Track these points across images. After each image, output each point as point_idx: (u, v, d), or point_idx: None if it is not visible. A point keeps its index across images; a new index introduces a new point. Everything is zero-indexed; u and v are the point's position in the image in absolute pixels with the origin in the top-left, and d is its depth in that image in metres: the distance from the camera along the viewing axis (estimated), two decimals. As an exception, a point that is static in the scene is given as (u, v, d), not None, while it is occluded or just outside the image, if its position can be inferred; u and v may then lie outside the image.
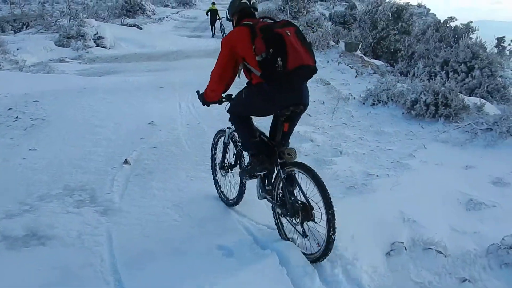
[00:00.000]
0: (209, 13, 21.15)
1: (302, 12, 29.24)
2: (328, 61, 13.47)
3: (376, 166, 4.66)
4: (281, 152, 2.96)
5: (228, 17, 3.22)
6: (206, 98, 3.29)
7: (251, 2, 3.10)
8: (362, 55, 13.97)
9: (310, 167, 2.84)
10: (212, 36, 20.75)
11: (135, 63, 12.69)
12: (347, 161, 4.79)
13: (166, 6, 35.18)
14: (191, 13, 31.29)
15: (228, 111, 3.25)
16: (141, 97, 7.97)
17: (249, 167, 3.19)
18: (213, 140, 3.93)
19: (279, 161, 2.97)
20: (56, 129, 5.81)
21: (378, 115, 7.18)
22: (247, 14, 3.06)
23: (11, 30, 15.70)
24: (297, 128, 6.13)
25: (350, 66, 12.85)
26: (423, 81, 7.99)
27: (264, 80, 2.76)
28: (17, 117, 6.39)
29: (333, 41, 14.39)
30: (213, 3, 22.07)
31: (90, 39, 14.16)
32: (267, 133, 3.20)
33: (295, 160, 2.93)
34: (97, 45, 14.46)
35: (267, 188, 3.15)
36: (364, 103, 8.00)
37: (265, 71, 2.71)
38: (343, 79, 11.66)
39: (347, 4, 36.22)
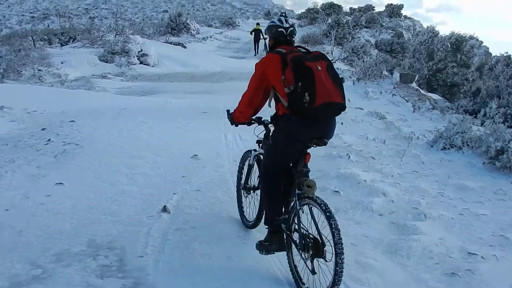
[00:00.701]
0: (253, 33, 21.69)
1: (347, 38, 28.46)
2: (381, 92, 12.50)
3: (474, 239, 3.67)
4: (301, 183, 2.84)
5: (265, 34, 3.19)
6: (234, 118, 3.29)
7: (288, 31, 3.02)
8: (418, 87, 12.92)
9: (326, 205, 2.67)
10: (255, 55, 21.36)
11: (178, 83, 12.17)
12: (435, 229, 3.81)
13: (210, 26, 35.30)
14: (234, 34, 31.11)
15: (261, 167, 3.27)
16: (183, 123, 7.28)
17: (266, 243, 3.03)
18: (240, 161, 3.89)
19: (297, 191, 2.86)
20: (89, 158, 5.13)
21: (452, 163, 6.15)
22: (283, 41, 3.02)
23: (58, 43, 15.67)
24: (364, 175, 5.31)
25: (405, 99, 11.84)
26: (497, 123, 6.93)
27: (290, 111, 2.73)
28: (49, 140, 5.78)
29: (386, 70, 13.42)
30: (258, 24, 23.08)
31: (134, 56, 13.83)
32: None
33: (313, 193, 2.80)
34: (141, 62, 14.12)
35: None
36: (432, 146, 6.99)
37: (292, 104, 2.69)
38: (399, 114, 10.67)
39: (394, 32, 35.20)
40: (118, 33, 17.27)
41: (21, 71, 11.40)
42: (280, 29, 3.00)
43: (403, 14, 45.91)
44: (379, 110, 10.88)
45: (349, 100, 12.31)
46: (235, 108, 3.21)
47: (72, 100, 8.32)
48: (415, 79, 12.85)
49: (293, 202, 2.90)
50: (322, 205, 2.66)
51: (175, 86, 11.40)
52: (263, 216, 3.20)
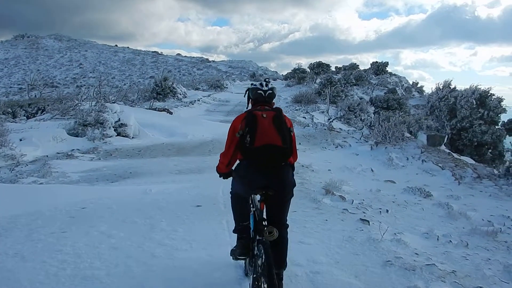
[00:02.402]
0: (247, 93, 20.56)
1: (340, 96, 26.84)
2: (407, 159, 10.19)
3: None
4: (261, 230, 3.05)
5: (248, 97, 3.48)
6: (217, 169, 3.53)
7: (266, 93, 3.32)
8: (449, 150, 10.69)
9: (269, 251, 2.81)
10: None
11: (162, 158, 9.70)
12: None
13: (197, 89, 33.65)
14: (222, 96, 29.33)
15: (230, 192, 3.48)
16: (167, 232, 4.72)
17: (233, 248, 3.48)
18: None
19: (257, 237, 3.10)
20: None
21: None
22: (260, 102, 3.32)
23: (24, 115, 13.28)
24: None
25: (439, 166, 9.52)
26: None
27: (241, 156, 3.12)
28: None
29: (408, 131, 11.23)
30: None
31: (110, 127, 11.45)
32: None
33: (273, 239, 2.95)
34: (118, 134, 11.71)
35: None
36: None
37: (240, 147, 3.06)
38: (441, 187, 8.33)
39: (385, 88, 34.01)
40: (95, 100, 15.04)
41: (-37, 154, 8.86)
42: (259, 91, 3.33)
43: (388, 71, 45.44)
44: (414, 182, 8.55)
45: (372, 170, 9.97)
46: (218, 161, 3.45)
47: (8, 199, 5.73)
48: (444, 141, 10.66)
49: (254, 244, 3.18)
50: (266, 251, 2.81)
51: (158, 164, 8.90)
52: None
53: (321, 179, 8.26)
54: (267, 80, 3.56)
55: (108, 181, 7.35)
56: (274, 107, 3.26)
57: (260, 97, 3.31)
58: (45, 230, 4.74)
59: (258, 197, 3.35)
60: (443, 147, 10.52)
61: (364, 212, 6.02)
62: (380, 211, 6.15)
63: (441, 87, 13.21)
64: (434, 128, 12.32)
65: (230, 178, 3.45)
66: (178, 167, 8.60)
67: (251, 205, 3.47)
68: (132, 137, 12.06)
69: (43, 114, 13.46)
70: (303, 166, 9.16)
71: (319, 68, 38.31)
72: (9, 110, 13.07)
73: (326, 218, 5.59)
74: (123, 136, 11.79)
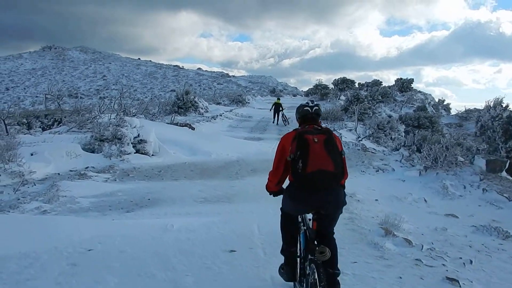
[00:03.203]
0: (273, 106, 23.07)
1: (367, 113, 25.41)
2: (464, 187, 8.76)
3: None
4: (313, 249, 3.07)
5: (297, 117, 3.52)
6: (267, 188, 3.55)
7: (313, 109, 3.38)
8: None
9: (321, 271, 2.88)
10: (274, 122, 22.72)
11: (184, 182, 8.52)
12: None
13: (218, 103, 32.71)
14: (245, 112, 28.24)
15: (280, 209, 3.48)
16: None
17: (281, 270, 3.59)
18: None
19: (309, 257, 3.11)
20: None
21: None
22: (308, 119, 3.37)
23: (40, 127, 12.35)
24: None
25: (505, 196, 8.08)
26: None
27: (293, 178, 3.12)
28: None
29: (461, 156, 9.78)
30: (278, 98, 24.67)
31: (128, 143, 10.36)
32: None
33: (325, 259, 2.95)
34: (137, 151, 10.61)
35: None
36: None
37: (292, 171, 3.06)
38: (516, 223, 6.89)
39: (413, 105, 32.40)
40: (115, 112, 14.10)
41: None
42: (306, 108, 3.39)
43: (414, 88, 43.75)
44: (480, 217, 7.21)
45: (425, 201, 8.58)
46: (267, 180, 3.48)
47: (6, 234, 4.60)
48: (506, 166, 9.20)
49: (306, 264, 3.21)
50: (324, 271, 2.90)
51: (181, 189, 7.70)
52: None
53: (371, 213, 6.94)
54: (311, 99, 3.80)
55: (123, 210, 6.17)
56: (322, 127, 3.28)
57: (308, 113, 3.38)
58: (36, 285, 3.58)
59: (309, 215, 3.41)
60: (504, 173, 9.05)
61: (443, 264, 4.67)
62: (463, 263, 4.79)
63: (491, 105, 11.77)
64: (487, 150, 10.85)
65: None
66: (203, 194, 7.38)
67: (302, 223, 3.49)
68: (152, 155, 10.95)
69: (60, 126, 12.51)
70: (346, 194, 7.85)
71: (344, 84, 36.98)
72: (24, 121, 12.16)
73: (398, 274, 4.27)
74: (142, 153, 10.69)
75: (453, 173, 9.26)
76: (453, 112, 36.25)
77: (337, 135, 3.94)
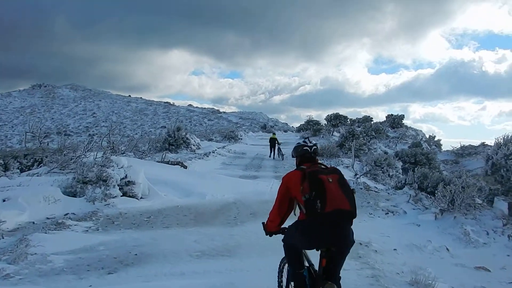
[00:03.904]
0: (269, 141, 23.53)
1: (363, 149, 24.77)
2: (487, 233, 7.85)
3: None
4: (321, 285, 3.16)
5: (293, 155, 3.63)
6: (267, 228, 3.61)
7: (312, 149, 3.51)
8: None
9: None
10: (271, 157, 22.78)
11: (178, 230, 7.46)
12: None
13: (210, 140, 31.89)
14: (238, 148, 27.39)
15: (282, 240, 3.53)
16: None
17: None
18: (278, 268, 4.00)
19: None
20: None
21: None
22: (307, 158, 3.49)
23: (18, 168, 11.26)
24: None
25: (536, 246, 7.19)
26: None
27: (307, 217, 3.14)
28: None
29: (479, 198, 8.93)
30: (274, 133, 25.84)
31: (114, 185, 9.33)
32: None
33: None
34: (124, 193, 9.57)
35: None
36: None
37: (308, 210, 3.09)
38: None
39: (407, 142, 31.95)
40: (102, 150, 13.10)
41: None
42: (305, 148, 3.51)
43: (404, 124, 43.66)
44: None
45: (448, 250, 7.63)
46: (267, 219, 3.58)
47: None
48: (530, 210, 8.35)
49: None
50: None
51: (174, 240, 6.64)
52: None
53: (395, 267, 5.97)
54: (308, 138, 3.78)
55: (104, 271, 5.09)
56: (327, 166, 3.42)
57: (307, 153, 3.51)
58: None
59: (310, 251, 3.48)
60: (528, 218, 8.20)
61: None
62: None
63: (502, 142, 11.10)
64: (500, 191, 10.05)
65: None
66: (199, 246, 6.33)
67: (304, 259, 3.51)
68: (141, 198, 9.91)
69: (40, 166, 11.44)
70: (361, 244, 6.88)
71: (336, 120, 36.62)
72: (1, 161, 11.09)
73: None
74: (129, 196, 9.64)
75: (472, 217, 8.37)
76: (444, 148, 35.88)
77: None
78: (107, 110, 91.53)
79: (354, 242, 3.24)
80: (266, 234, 3.65)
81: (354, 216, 3.16)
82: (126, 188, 9.68)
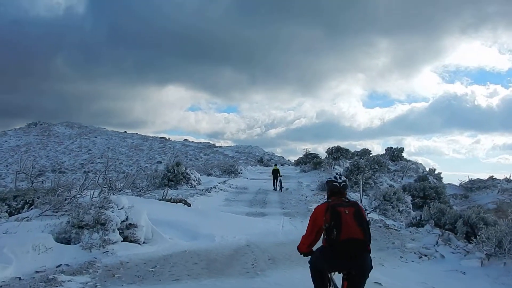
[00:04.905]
0: (272, 172, 23.78)
1: (369, 183, 23.76)
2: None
3: None
4: None
5: (325, 187, 4.36)
6: (299, 248, 4.26)
7: (341, 185, 4.10)
8: None
9: None
10: (274, 190, 22.62)
11: (189, 283, 6.25)
12: None
13: (209, 174, 30.76)
14: (239, 183, 26.23)
15: (308, 262, 4.19)
16: None
17: None
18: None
19: None
20: None
21: None
22: (335, 192, 4.06)
23: (6, 211, 10.05)
24: None
25: None
26: None
27: (326, 243, 3.73)
28: None
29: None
30: (275, 165, 26.11)
31: (114, 230, 8.16)
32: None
33: None
34: (125, 238, 8.39)
35: None
36: None
37: (327, 237, 3.68)
38: None
39: (411, 175, 31.04)
40: (99, 188, 11.96)
41: None
42: (335, 183, 4.09)
43: (404, 157, 42.90)
44: None
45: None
46: (300, 242, 4.20)
47: None
48: None
49: None
50: None
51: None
52: None
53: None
54: (339, 174, 4.35)
55: None
56: (349, 200, 3.96)
57: (336, 188, 4.06)
58: None
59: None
60: None
61: None
62: None
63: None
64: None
65: None
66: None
67: (329, 282, 4.00)
68: (144, 242, 8.72)
69: (31, 209, 10.24)
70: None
71: (338, 152, 35.76)
72: (-12, 205, 9.88)
73: None
74: (131, 241, 8.46)
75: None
76: (444, 181, 34.80)
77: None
78: (103, 147, 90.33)
79: (372, 267, 3.78)
80: (300, 254, 4.30)
81: (367, 244, 3.63)
82: (127, 232, 8.51)
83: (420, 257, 8.59)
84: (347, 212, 3.64)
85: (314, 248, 4.15)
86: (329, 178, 4.21)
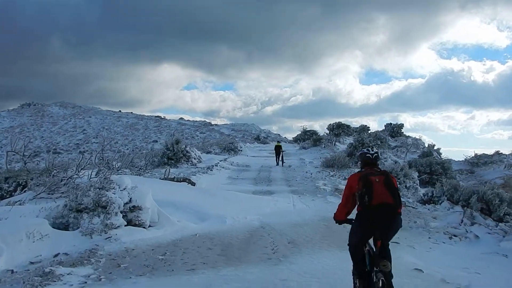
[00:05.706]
0: (275, 148, 24.26)
1: (374, 158, 22.99)
2: None
3: None
4: (378, 262, 3.84)
5: (358, 159, 4.89)
6: (335, 217, 4.50)
7: (373, 156, 4.36)
8: None
9: (389, 281, 3.68)
10: (277, 165, 23.06)
11: (207, 274, 5.46)
12: None
13: (209, 152, 29.88)
14: (240, 160, 25.40)
15: (347, 244, 4.34)
16: None
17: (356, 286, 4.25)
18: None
19: (375, 269, 3.92)
20: None
21: None
22: (368, 163, 4.34)
23: (-3, 193, 9.15)
24: None
25: None
26: None
27: (361, 208, 4.01)
28: None
29: None
30: (278, 141, 26.82)
31: (116, 213, 7.32)
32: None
33: (388, 270, 3.75)
34: (129, 222, 7.57)
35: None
36: None
37: (360, 202, 4.00)
38: None
39: (415, 151, 30.35)
40: (97, 168, 11.05)
41: None
42: (367, 155, 4.37)
43: (403, 133, 42.21)
44: None
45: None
46: (337, 210, 4.49)
47: None
48: None
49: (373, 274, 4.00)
50: (386, 278, 3.70)
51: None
52: None
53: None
54: (371, 146, 4.77)
55: None
56: (380, 169, 4.24)
57: (369, 159, 4.35)
58: None
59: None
60: None
61: None
62: None
63: None
64: None
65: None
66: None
67: (365, 246, 4.22)
68: (149, 226, 7.90)
69: (24, 191, 9.34)
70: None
71: (339, 129, 34.94)
72: (-23, 187, 8.95)
73: None
74: (136, 225, 7.63)
75: None
76: (443, 156, 34.20)
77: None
78: (98, 126, 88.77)
79: (401, 226, 4.06)
80: (336, 223, 4.52)
81: (397, 208, 3.92)
82: (131, 215, 7.66)
83: (450, 238, 7.87)
84: (377, 180, 3.93)
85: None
86: (362, 151, 4.50)
